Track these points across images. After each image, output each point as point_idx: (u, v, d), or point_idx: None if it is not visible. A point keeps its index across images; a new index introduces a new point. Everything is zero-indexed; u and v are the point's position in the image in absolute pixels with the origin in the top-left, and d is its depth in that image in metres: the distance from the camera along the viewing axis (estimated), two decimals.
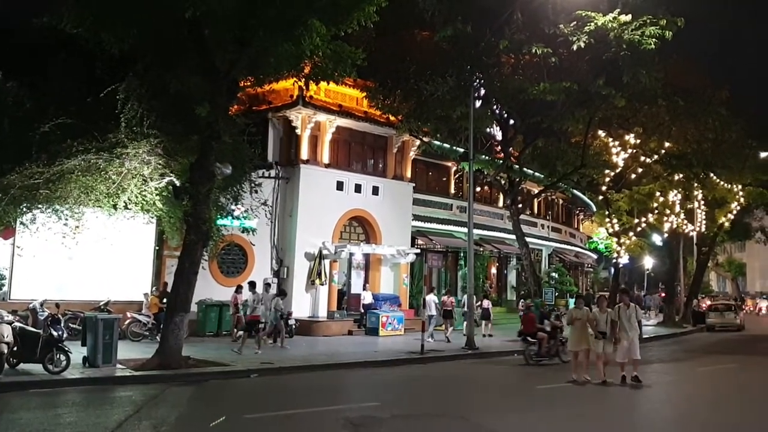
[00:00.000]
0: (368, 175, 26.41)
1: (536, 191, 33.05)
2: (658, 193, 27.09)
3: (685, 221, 36.74)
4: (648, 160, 26.64)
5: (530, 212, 38.80)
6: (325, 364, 16.13)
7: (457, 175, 31.96)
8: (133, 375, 13.55)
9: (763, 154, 40.03)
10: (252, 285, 19.06)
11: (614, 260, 27.82)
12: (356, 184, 25.82)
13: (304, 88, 23.47)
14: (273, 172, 24.15)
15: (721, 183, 36.81)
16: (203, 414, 10.22)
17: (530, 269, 24.35)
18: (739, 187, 37.68)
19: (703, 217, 37.57)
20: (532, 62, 20.53)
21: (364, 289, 24.95)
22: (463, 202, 31.93)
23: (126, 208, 15.32)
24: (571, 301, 37.81)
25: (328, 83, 17.68)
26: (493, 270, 35.16)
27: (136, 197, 15.51)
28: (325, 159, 24.95)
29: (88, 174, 14.88)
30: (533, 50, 19.20)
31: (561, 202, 42.56)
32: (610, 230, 27.93)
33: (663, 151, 26.38)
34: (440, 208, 30.84)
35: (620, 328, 13.73)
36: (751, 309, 56.55)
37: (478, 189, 32.97)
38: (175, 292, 14.95)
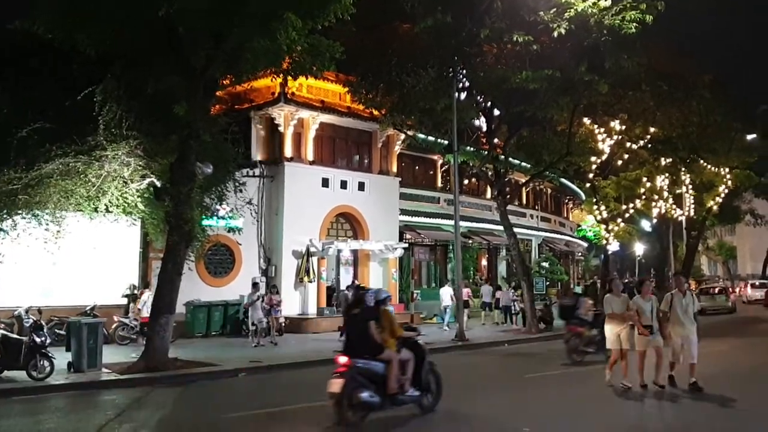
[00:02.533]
0: (354, 171, 26.31)
1: (524, 181, 32.92)
2: (644, 179, 27.04)
3: (674, 206, 36.93)
4: (634, 146, 26.62)
5: (519, 203, 38.76)
6: (314, 361, 15.98)
7: (443, 168, 31.85)
8: (119, 379, 13.42)
9: (749, 137, 40.37)
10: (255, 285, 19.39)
11: (605, 247, 27.79)
12: (342, 180, 25.71)
13: (285, 85, 23.71)
14: (257, 171, 24.01)
15: (709, 167, 37.00)
16: (185, 415, 10.12)
17: (518, 259, 24.27)
18: (727, 170, 37.84)
19: (692, 201, 37.73)
20: (514, 51, 20.38)
21: (352, 285, 24.78)
22: (451, 195, 31.83)
23: (107, 211, 15.17)
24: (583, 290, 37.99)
25: (307, 78, 17.49)
26: (483, 262, 35.07)
27: (117, 200, 15.37)
28: (310, 156, 24.83)
29: (68, 178, 14.74)
30: (514, 38, 19.05)
31: (550, 191, 42.51)
32: (598, 217, 27.89)
33: (648, 137, 26.37)
34: (428, 201, 30.71)
35: (673, 321, 10.91)
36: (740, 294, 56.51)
37: (465, 181, 32.93)
38: (159, 293, 14.82)
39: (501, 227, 33.74)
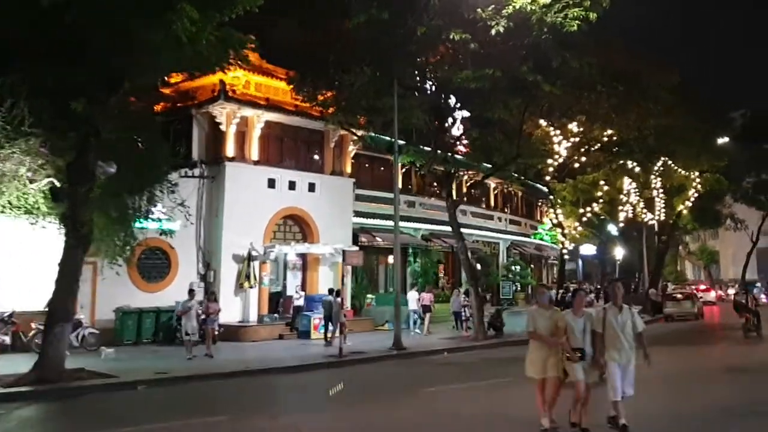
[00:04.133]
0: (303, 172, 25.50)
1: (470, 183, 32.05)
2: (602, 182, 26.29)
3: (645, 210, 36.25)
4: (590, 149, 25.89)
5: (486, 205, 38.08)
6: (225, 373, 15.18)
7: (404, 170, 30.99)
8: (2, 392, 12.56)
9: (720, 141, 39.74)
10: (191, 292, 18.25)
11: (560, 252, 27.05)
12: (290, 181, 24.92)
13: (224, 82, 22.94)
14: (197, 171, 23.20)
15: (679, 170, 36.35)
16: None
17: (466, 263, 23.47)
18: (696, 174, 37.22)
19: (662, 205, 37.05)
20: (455, 50, 19.67)
21: (297, 291, 23.99)
22: (412, 197, 31.24)
23: (3, 210, 14.37)
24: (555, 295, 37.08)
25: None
26: (446, 264, 34.29)
27: (18, 199, 14.58)
28: (254, 156, 24.01)
29: None
30: (451, 36, 18.30)
31: (521, 194, 41.78)
32: (554, 220, 27.13)
33: (605, 139, 25.61)
34: (386, 203, 29.83)
35: (608, 344, 8.34)
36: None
37: (435, 184, 32.10)
38: (55, 301, 13.99)
39: (465, 230, 33.35)
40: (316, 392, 13.18)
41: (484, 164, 26.46)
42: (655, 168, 34.78)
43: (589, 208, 28.29)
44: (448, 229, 32.09)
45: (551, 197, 27.36)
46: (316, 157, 26.31)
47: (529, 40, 19.05)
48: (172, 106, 24.69)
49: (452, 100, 22.61)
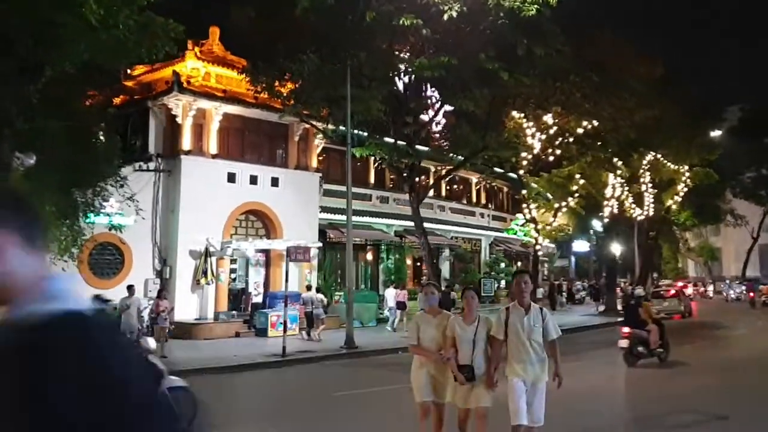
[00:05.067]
0: (266, 166, 24.80)
1: (433, 179, 31.22)
2: (578, 176, 25.45)
3: (633, 205, 35.36)
4: (565, 141, 25.06)
5: (467, 200, 37.31)
6: None
7: (376, 164, 30.28)
8: None
9: (713, 134, 38.89)
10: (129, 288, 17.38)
11: (533, 248, 26.25)
12: (251, 176, 24.22)
13: (179, 73, 22.31)
14: (152, 165, 22.57)
15: (668, 164, 35.51)
16: None
17: (428, 260, 22.75)
18: (686, 168, 36.36)
19: (652, 200, 36.17)
20: (414, 39, 18.97)
21: (256, 287, 23.33)
22: (385, 192, 30.51)
23: None
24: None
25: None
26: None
27: None
28: (213, 149, 23.35)
29: None
30: (401, 21, 17.57)
31: (506, 189, 40.94)
32: (527, 216, 26.33)
33: (581, 131, 24.77)
34: (358, 199, 29.11)
35: (510, 356, 6.53)
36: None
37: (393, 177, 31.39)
38: None
39: (441, 226, 32.66)
40: (226, 398, 12.50)
41: (455, 157, 25.69)
42: (644, 162, 34.04)
43: (564, 203, 27.42)
44: (424, 225, 31.57)
45: (524, 191, 26.51)
46: (280, 151, 25.59)
47: (486, 25, 18.33)
48: (130, 98, 24.10)
49: (412, 91, 21.91)
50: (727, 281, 54.02)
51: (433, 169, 30.96)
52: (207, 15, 25.93)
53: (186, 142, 22.62)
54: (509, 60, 19.91)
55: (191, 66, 23.62)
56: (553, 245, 51.34)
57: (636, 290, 36.69)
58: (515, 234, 33.49)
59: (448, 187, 35.89)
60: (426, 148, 25.60)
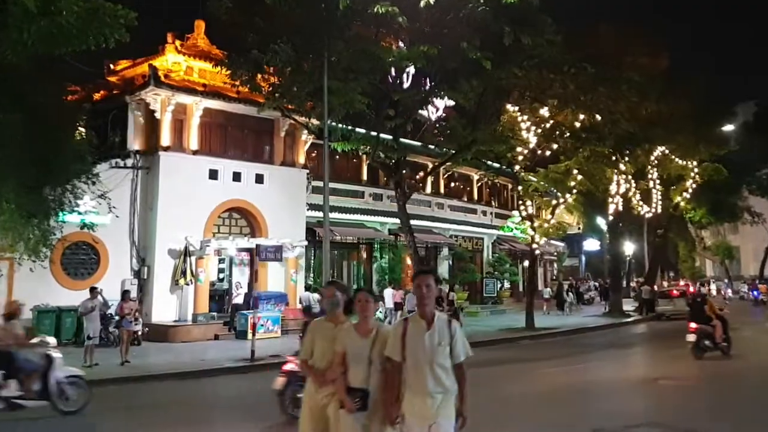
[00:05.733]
0: (250, 162, 24.02)
1: (420, 174, 30.16)
2: (575, 171, 24.36)
3: (641, 202, 34.18)
4: (562, 135, 24.02)
5: (467, 198, 36.35)
6: (110, 379, 13.77)
7: (369, 160, 29.37)
8: None
9: (725, 129, 37.61)
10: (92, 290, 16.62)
11: (531, 246, 25.22)
12: (234, 172, 23.48)
13: (156, 66, 21.64)
14: (130, 162, 21.91)
15: (676, 160, 34.32)
16: None
17: (415, 258, 21.81)
18: (694, 163, 35.13)
19: (659, 197, 34.96)
20: (387, 26, 18.09)
21: (236, 287, 22.54)
22: (378, 189, 29.66)
23: None
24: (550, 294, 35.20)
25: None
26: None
27: None
28: (194, 145, 22.63)
29: None
30: (375, 9, 16.70)
31: (510, 186, 39.86)
32: (524, 213, 25.31)
33: (578, 124, 23.73)
34: (350, 196, 28.42)
35: (409, 384, 4.96)
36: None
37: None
38: None
39: (440, 224, 31.75)
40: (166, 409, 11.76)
41: (448, 151, 24.73)
42: (652, 157, 32.88)
43: (562, 200, 26.35)
44: (421, 223, 30.68)
45: (519, 188, 25.52)
46: (266, 147, 24.80)
47: (465, 13, 17.41)
48: (110, 94, 23.48)
49: (395, 84, 21.01)
50: (745, 281, 52.38)
51: (430, 165, 30.08)
52: (192, 8, 25.26)
53: (165, 138, 21.92)
54: (496, 50, 18.95)
55: (172, 60, 22.93)
56: (562, 244, 50.26)
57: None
58: (511, 232, 32.42)
59: (447, 184, 34.96)
60: (413, 143, 24.74)
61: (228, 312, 22.67)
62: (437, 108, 28.06)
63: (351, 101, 19.54)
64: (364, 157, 29.50)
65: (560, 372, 14.90)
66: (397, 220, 28.73)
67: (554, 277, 47.49)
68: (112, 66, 24.89)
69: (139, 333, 19.61)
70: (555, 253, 47.71)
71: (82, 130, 22.19)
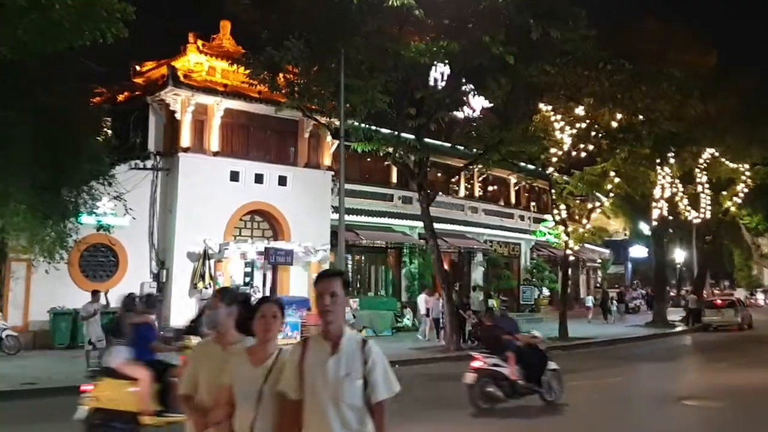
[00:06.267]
0: (273, 164, 23.52)
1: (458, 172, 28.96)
2: (612, 173, 23.09)
3: (688, 207, 32.54)
4: (597, 134, 22.80)
5: (504, 201, 35.24)
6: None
7: (415, 166, 28.46)
8: None
9: None
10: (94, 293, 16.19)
11: (564, 252, 24.05)
12: (257, 174, 23.01)
13: (175, 66, 21.36)
14: (150, 163, 21.63)
15: (726, 162, 32.55)
16: None
17: (437, 264, 20.85)
18: (746, 166, 33.23)
19: (709, 201, 33.20)
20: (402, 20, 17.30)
21: (254, 291, 21.95)
22: (408, 192, 28.79)
23: None
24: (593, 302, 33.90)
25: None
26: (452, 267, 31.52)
27: None
28: (214, 146, 22.23)
29: None
30: (390, 2, 15.94)
31: (549, 189, 38.51)
32: (557, 217, 24.13)
33: (614, 124, 22.49)
34: (378, 199, 27.66)
35: (306, 424, 3.60)
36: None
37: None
38: None
39: (474, 229, 30.76)
40: None
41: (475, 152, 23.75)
42: (700, 160, 31.27)
43: (598, 203, 25.10)
44: (453, 227, 29.77)
45: (552, 191, 24.37)
46: (290, 148, 24.29)
47: (486, 5, 16.54)
48: (133, 95, 23.30)
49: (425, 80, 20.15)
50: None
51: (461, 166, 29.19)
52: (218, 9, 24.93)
53: (185, 138, 21.57)
54: (523, 45, 17.99)
55: (194, 60, 22.63)
56: (607, 251, 48.57)
57: (689, 298, 34.12)
58: (544, 237, 31.16)
59: (482, 187, 33.93)
60: (437, 143, 23.87)
61: None
62: (473, 109, 27.11)
63: (372, 100, 18.83)
64: (388, 157, 28.74)
65: (583, 386, 13.85)
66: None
67: (598, 285, 45.88)
68: (138, 67, 24.77)
69: None
70: (599, 260, 46.13)
71: (108, 131, 22.21)
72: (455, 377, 13.85)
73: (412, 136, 20.42)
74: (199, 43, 22.70)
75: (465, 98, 28.02)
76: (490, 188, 34.85)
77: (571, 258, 38.76)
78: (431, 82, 20.28)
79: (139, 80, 24.57)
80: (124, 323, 8.19)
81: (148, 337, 7.98)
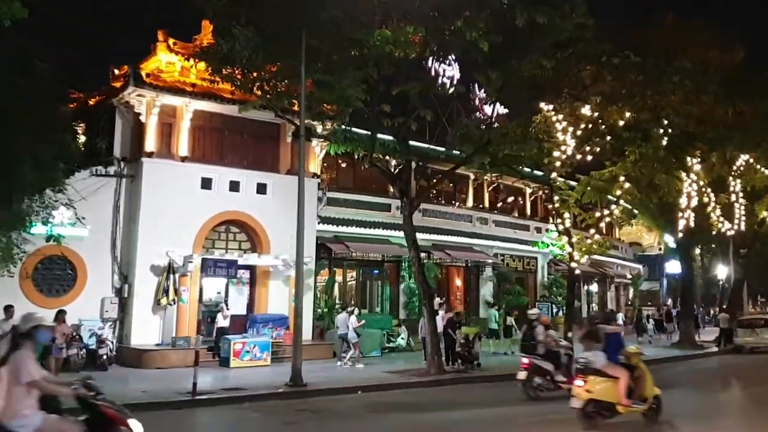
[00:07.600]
0: (250, 170, 21.88)
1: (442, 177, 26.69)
2: (622, 178, 20.74)
3: (721, 218, 29.77)
4: (599, 135, 20.58)
5: (517, 213, 32.97)
6: None
7: (397, 170, 26.63)
8: None
9: None
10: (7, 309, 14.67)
11: (569, 266, 21.71)
12: (232, 181, 21.39)
13: (137, 65, 19.94)
14: (113, 169, 20.18)
15: (762, 170, 29.74)
16: None
17: (419, 278, 18.80)
18: None
19: (743, 211, 30.38)
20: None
21: (223, 308, 20.14)
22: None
23: None
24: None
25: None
26: (458, 281, 29.37)
27: None
28: (183, 151, 20.67)
29: None
30: None
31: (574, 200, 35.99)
32: (560, 227, 21.87)
33: (622, 123, 20.22)
34: (373, 209, 25.70)
35: None
36: None
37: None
38: None
39: (482, 241, 28.60)
40: None
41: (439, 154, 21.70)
42: (734, 167, 28.60)
43: (606, 211, 22.74)
44: (460, 239, 27.68)
45: (555, 198, 22.10)
46: (269, 154, 22.59)
47: None
48: (103, 98, 21.95)
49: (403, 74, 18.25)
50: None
51: (471, 176, 27.18)
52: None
53: (149, 143, 20.07)
54: (510, 35, 16.03)
55: (165, 60, 21.18)
56: (639, 266, 45.64)
57: (720, 317, 31.23)
58: (546, 248, 28.74)
59: (493, 197, 31.74)
60: (425, 145, 21.89)
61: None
62: (486, 115, 25.13)
63: (346, 98, 17.04)
64: (392, 166, 26.87)
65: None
66: (429, 236, 26.00)
67: (629, 302, 43.03)
68: (117, 71, 23.47)
69: (105, 357, 17.78)
70: (629, 276, 43.30)
71: (81, 136, 20.95)
72: (416, 407, 12.01)
73: (389, 137, 18.50)
74: (170, 41, 21.22)
75: (475, 102, 26.14)
76: (503, 198, 32.63)
77: (593, 271, 36.29)
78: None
79: (117, 84, 23.27)
80: (600, 332, 10.74)
81: (619, 343, 10.87)
